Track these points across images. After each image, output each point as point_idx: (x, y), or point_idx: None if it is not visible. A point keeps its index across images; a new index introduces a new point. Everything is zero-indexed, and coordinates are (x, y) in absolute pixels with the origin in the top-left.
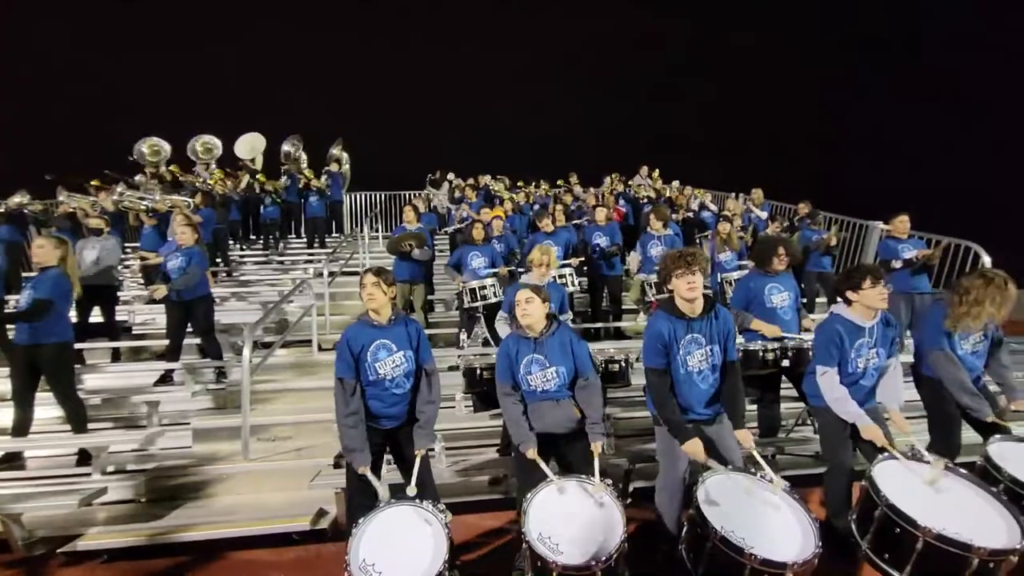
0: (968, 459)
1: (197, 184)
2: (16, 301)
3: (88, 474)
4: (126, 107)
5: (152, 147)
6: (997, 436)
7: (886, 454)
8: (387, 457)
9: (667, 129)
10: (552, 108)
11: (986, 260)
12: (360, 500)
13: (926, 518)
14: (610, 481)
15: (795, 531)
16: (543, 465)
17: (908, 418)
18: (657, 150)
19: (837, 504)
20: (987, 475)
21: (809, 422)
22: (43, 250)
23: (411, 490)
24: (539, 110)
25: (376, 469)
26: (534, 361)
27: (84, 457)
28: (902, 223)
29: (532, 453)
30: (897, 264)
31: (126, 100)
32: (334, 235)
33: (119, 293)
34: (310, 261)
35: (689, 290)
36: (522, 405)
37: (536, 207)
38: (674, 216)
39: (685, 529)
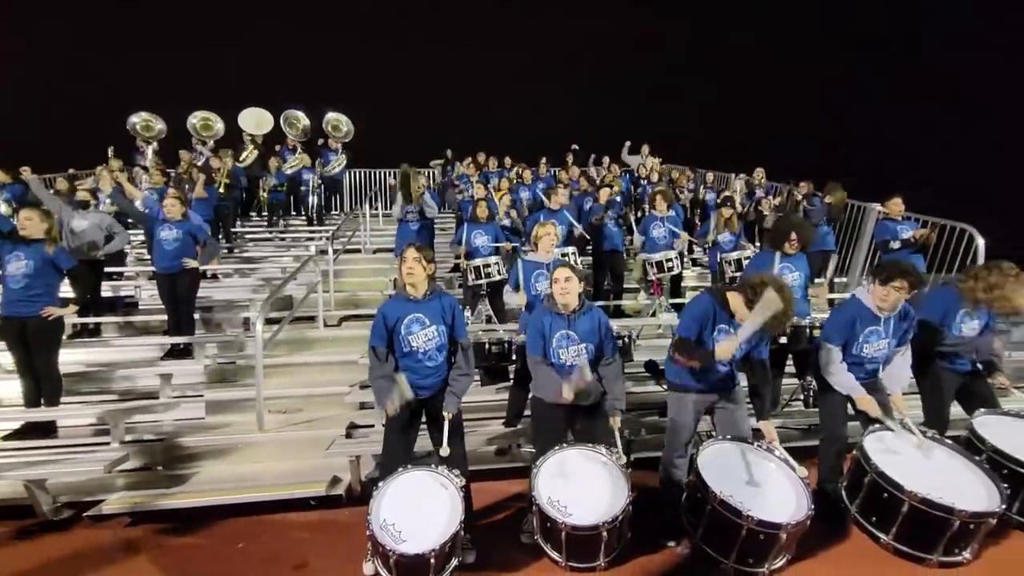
0: (955, 432)
1: (197, 165)
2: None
3: (107, 443)
4: (126, 107)
5: (145, 120)
6: (982, 410)
7: (877, 425)
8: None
9: (667, 129)
10: (552, 108)
11: (980, 242)
12: (391, 463)
13: (912, 484)
14: (616, 449)
15: (789, 495)
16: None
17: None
18: (657, 150)
19: (829, 471)
20: (971, 445)
21: (801, 397)
22: (31, 223)
23: (444, 451)
24: (539, 110)
25: (412, 430)
26: (566, 337)
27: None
28: (896, 205)
29: (568, 391)
30: (896, 244)
31: (125, 100)
32: (334, 213)
33: (123, 269)
34: (311, 239)
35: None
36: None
37: (542, 185)
38: (681, 196)
39: (686, 494)
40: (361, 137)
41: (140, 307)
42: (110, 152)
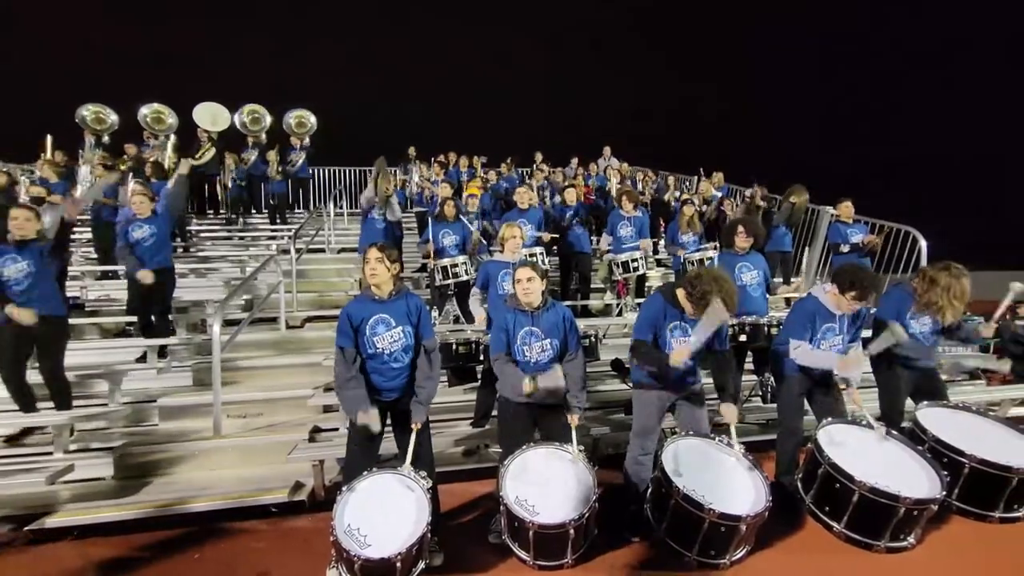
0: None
1: (150, 158)
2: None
3: (50, 453)
4: (121, 106)
5: (96, 112)
6: (925, 402)
7: (829, 419)
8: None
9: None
10: (521, 109)
11: (922, 244)
12: (356, 467)
13: (862, 474)
14: (582, 447)
15: (748, 489)
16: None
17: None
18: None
19: (786, 463)
20: (915, 436)
21: (759, 394)
22: (30, 222)
23: (404, 468)
24: (509, 110)
25: (376, 433)
26: (531, 333)
27: None
28: (847, 208)
29: (529, 386)
30: (845, 248)
31: (122, 100)
32: (298, 211)
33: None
34: (273, 238)
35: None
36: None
37: (506, 187)
38: (641, 198)
39: (650, 490)
40: (326, 134)
41: (86, 309)
42: (48, 141)
